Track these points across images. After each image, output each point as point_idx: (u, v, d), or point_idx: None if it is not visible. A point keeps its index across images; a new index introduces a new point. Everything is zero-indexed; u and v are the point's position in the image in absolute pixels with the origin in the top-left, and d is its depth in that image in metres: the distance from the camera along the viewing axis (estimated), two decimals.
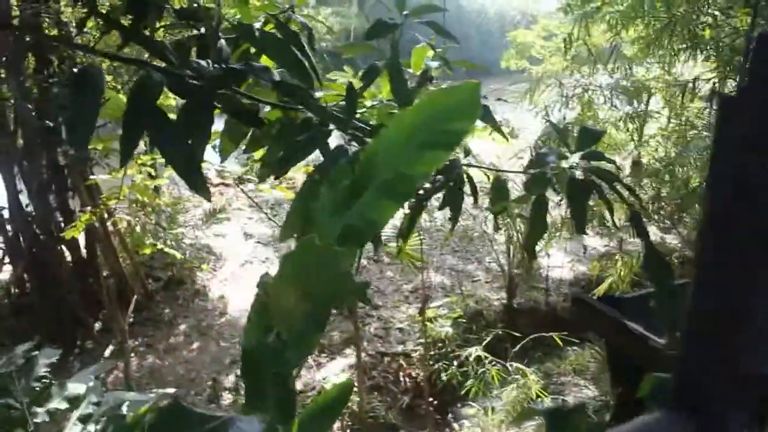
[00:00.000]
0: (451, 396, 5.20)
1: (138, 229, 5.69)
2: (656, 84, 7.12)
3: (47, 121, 5.24)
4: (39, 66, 5.29)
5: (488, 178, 2.58)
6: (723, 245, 0.93)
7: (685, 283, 1.70)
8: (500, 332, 4.76)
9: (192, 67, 1.73)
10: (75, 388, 2.59)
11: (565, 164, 1.79)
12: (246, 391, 1.30)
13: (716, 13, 3.44)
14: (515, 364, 4.13)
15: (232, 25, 2.05)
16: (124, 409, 2.57)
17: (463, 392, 4.58)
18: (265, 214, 7.54)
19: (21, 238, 6.01)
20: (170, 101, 3.07)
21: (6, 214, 5.95)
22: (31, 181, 5.72)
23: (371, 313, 6.96)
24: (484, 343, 4.46)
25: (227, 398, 5.39)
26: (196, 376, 5.66)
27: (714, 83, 3.73)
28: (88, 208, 4.94)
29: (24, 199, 5.77)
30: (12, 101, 5.47)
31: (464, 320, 5.97)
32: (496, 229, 4.73)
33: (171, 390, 4.72)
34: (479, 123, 2.44)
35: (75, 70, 1.51)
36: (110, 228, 6.22)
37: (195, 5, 2.12)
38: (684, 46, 4.19)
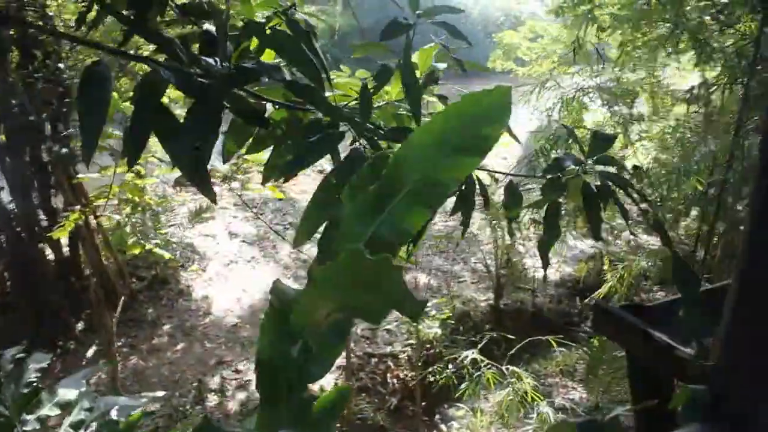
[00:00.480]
0: (438, 397, 5.17)
1: (128, 229, 5.58)
2: (644, 87, 7.17)
3: (31, 117, 5.13)
4: (23, 61, 5.18)
5: (496, 181, 2.56)
6: None
7: (710, 290, 1.69)
8: (494, 335, 4.73)
9: (201, 64, 1.68)
10: (66, 393, 2.52)
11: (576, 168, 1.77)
12: (262, 402, 1.25)
13: (722, 17, 3.45)
14: (511, 368, 4.11)
15: (235, 22, 2.00)
16: (113, 413, 2.51)
17: (457, 395, 4.54)
18: (254, 213, 7.45)
19: (2, 237, 5.88)
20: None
21: None
22: (13, 178, 5.60)
23: None
24: (479, 347, 4.42)
25: (213, 400, 5.32)
26: (181, 378, 5.58)
27: (728, 86, 3.76)
28: (77, 207, 4.83)
29: (6, 196, 5.65)
30: None
31: (452, 321, 5.94)
32: (511, 234, 4.68)
33: (160, 393, 4.63)
34: None
35: (84, 67, 1.45)
36: (94, 226, 6.11)
37: (199, 1, 2.07)
38: (690, 50, 4.20)
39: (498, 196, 4.52)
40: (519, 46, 9.71)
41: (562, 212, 5.51)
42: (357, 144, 1.59)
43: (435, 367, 4.67)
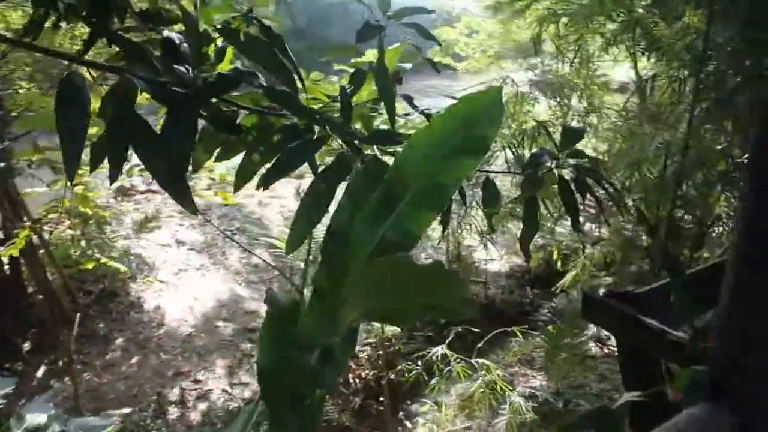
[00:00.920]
0: (404, 394, 5.20)
1: (83, 242, 5.40)
2: (579, 80, 7.34)
3: None
4: None
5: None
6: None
7: (695, 273, 1.75)
8: (459, 329, 4.79)
9: (174, 72, 1.65)
10: (34, 418, 2.44)
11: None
12: (271, 414, 1.24)
13: (655, 11, 3.58)
14: (481, 360, 4.17)
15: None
16: None
17: (427, 390, 4.58)
18: (206, 220, 7.32)
19: None
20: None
21: None
22: None
23: None
24: (447, 342, 4.48)
25: (174, 412, 5.21)
26: (139, 392, 5.44)
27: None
28: (27, 223, 4.65)
29: None
30: None
31: None
32: (492, 230, 4.74)
33: (126, 410, 4.51)
34: None
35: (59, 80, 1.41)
36: (37, 242, 5.89)
37: (158, 8, 2.03)
38: (640, 45, 4.34)
39: None
40: (456, 42, 9.83)
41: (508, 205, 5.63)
42: (342, 149, 1.59)
43: (404, 364, 4.70)
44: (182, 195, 1.62)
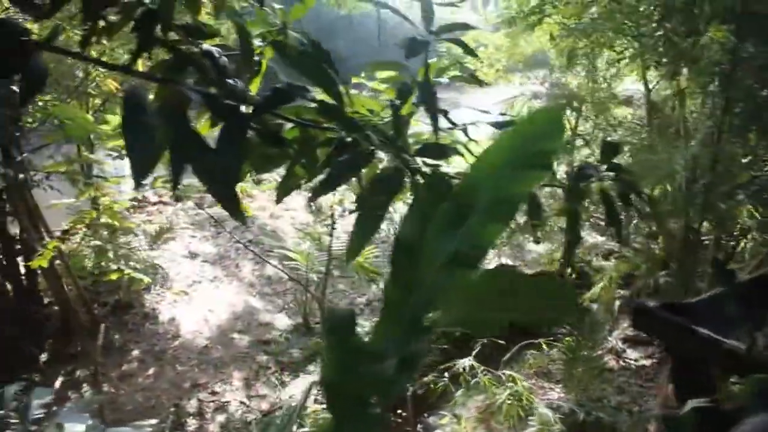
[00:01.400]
0: (427, 405, 5.20)
1: (111, 254, 5.44)
2: (589, 93, 7.39)
3: None
4: None
5: None
6: None
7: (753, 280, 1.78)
8: (485, 341, 4.80)
9: (226, 86, 1.69)
10: (73, 427, 2.46)
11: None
12: (336, 424, 1.27)
13: (667, 25, 3.63)
14: (508, 372, 4.19)
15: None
16: None
17: (452, 401, 4.60)
18: (228, 233, 7.34)
19: None
20: None
21: None
22: None
23: None
24: (473, 353, 4.50)
25: (192, 424, 5.23)
26: (156, 403, 5.46)
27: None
28: (45, 232, 4.69)
29: None
30: None
31: None
32: (536, 241, 4.77)
33: (153, 421, 4.53)
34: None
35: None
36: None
37: (198, 22, 2.07)
38: (664, 60, 4.40)
39: None
40: (462, 55, 9.86)
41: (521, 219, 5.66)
42: (396, 162, 1.62)
43: (430, 376, 4.71)
44: (233, 206, 1.65)
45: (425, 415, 5.50)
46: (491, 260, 7.49)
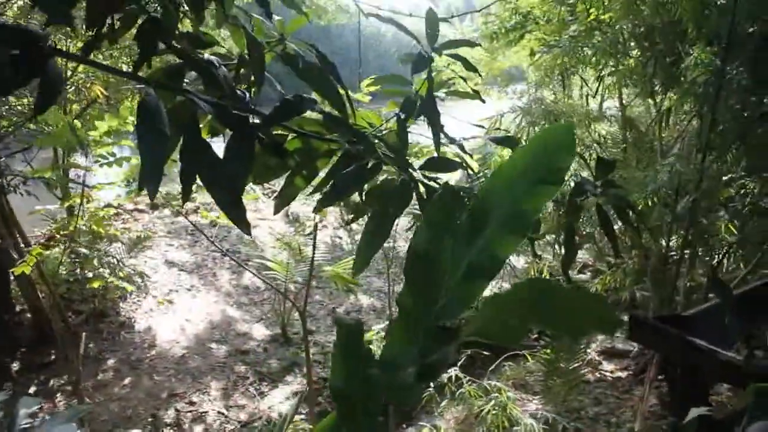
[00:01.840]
0: (404, 415, 5.21)
1: (95, 261, 5.37)
2: (566, 109, 7.52)
3: None
4: None
5: None
6: None
7: (745, 293, 1.84)
8: (468, 352, 4.84)
9: (236, 96, 1.72)
10: None
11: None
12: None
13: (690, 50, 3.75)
14: (494, 382, 4.23)
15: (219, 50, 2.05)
16: None
17: (438, 411, 4.62)
18: (210, 241, 7.29)
19: None
20: None
21: None
22: None
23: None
24: (459, 364, 4.53)
25: None
26: (133, 414, 5.39)
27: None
28: (20, 238, 4.62)
29: None
30: None
31: None
32: (535, 255, 4.82)
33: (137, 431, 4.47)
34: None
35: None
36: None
37: (198, 31, 2.09)
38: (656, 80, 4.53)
39: None
40: (442, 69, 9.96)
41: None
42: (402, 175, 1.65)
43: None
44: (239, 216, 1.67)
45: (404, 425, 5.51)
46: None
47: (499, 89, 9.92)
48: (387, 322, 6.65)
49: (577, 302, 0.86)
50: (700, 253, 4.61)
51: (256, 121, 1.73)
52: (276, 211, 2.15)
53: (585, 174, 5.81)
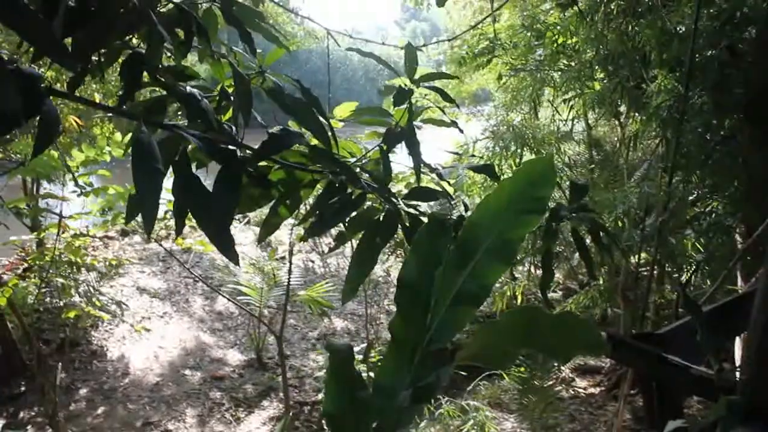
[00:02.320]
0: None
1: (73, 291, 5.31)
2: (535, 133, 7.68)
3: None
4: None
5: None
6: None
7: (714, 309, 1.92)
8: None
9: (224, 130, 1.77)
10: None
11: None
12: None
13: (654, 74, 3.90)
14: (472, 402, 4.28)
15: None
16: None
17: None
18: (185, 267, 7.23)
19: None
20: None
21: None
22: None
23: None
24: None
25: None
26: None
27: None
28: (8, 269, 4.56)
29: None
30: None
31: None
32: (514, 279, 4.87)
33: None
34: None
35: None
36: None
37: (182, 65, 2.13)
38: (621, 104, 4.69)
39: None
40: (418, 98, 10.11)
41: None
42: (388, 206, 1.71)
43: None
44: (227, 247, 1.71)
45: None
46: None
47: (468, 112, 10.09)
48: (364, 345, 6.66)
49: (567, 327, 0.93)
50: (669, 271, 4.78)
51: (243, 153, 1.79)
52: (260, 240, 2.19)
53: (557, 195, 5.96)
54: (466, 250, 1.26)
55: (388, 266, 8.41)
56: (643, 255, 4.66)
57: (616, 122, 5.61)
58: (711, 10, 3.58)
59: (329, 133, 1.86)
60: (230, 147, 1.73)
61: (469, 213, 2.17)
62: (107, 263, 6.75)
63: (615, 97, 4.45)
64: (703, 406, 4.37)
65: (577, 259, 6.65)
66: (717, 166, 3.46)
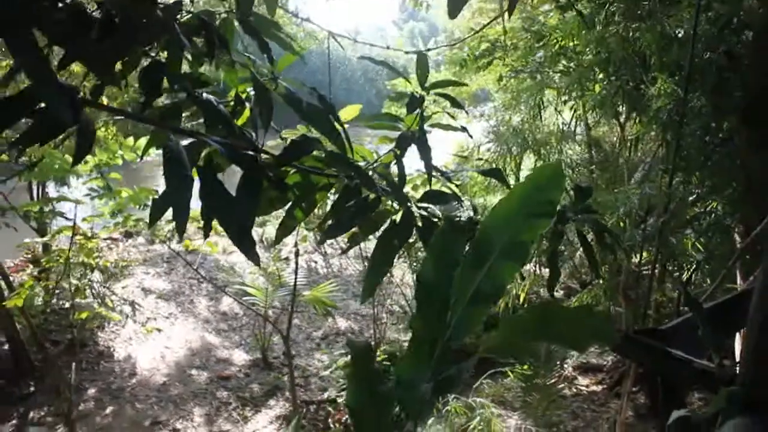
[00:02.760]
0: None
1: (88, 292, 5.39)
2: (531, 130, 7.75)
3: None
4: None
5: None
6: None
7: (715, 306, 2.01)
8: None
9: (245, 137, 1.84)
10: None
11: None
12: None
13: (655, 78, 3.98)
14: (479, 400, 4.36)
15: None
16: None
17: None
18: (193, 269, 7.30)
19: None
20: None
21: None
22: None
23: (286, 362, 6.95)
24: None
25: None
26: None
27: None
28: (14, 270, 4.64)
29: None
30: None
31: (386, 363, 6.14)
32: (522, 278, 4.96)
33: None
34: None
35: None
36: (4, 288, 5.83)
37: (197, 72, 2.21)
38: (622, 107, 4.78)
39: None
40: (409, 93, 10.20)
41: None
42: (406, 209, 1.79)
43: None
44: (249, 249, 1.79)
45: None
46: None
47: (469, 113, 10.17)
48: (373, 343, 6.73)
49: (582, 320, 1.01)
50: (669, 270, 4.87)
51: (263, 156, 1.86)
52: (277, 241, 2.27)
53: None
54: (482, 252, 1.34)
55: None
56: (644, 254, 4.74)
57: (616, 124, 5.70)
58: (709, 15, 3.67)
59: (345, 140, 1.94)
60: (251, 152, 1.81)
61: (477, 215, 2.26)
62: (116, 265, 6.83)
63: (615, 100, 4.54)
64: (704, 402, 4.46)
65: (579, 259, 6.75)
66: (716, 167, 3.56)
